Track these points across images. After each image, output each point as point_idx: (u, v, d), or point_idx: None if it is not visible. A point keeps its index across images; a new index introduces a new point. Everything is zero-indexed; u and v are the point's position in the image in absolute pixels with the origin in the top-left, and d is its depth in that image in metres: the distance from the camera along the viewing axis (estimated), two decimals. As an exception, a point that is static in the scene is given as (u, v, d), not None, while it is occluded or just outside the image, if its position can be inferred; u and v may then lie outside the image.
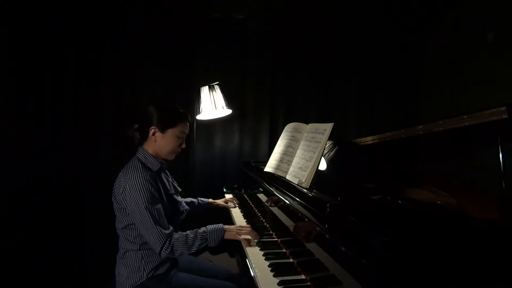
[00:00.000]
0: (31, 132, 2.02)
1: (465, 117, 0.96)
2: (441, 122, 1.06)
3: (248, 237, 1.27)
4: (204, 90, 2.26)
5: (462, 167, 1.24)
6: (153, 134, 1.28)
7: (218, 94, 2.26)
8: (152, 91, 2.40)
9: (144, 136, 1.31)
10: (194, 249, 1.20)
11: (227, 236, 1.27)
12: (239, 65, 2.65)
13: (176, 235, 1.19)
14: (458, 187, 1.19)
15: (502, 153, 0.89)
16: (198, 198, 1.79)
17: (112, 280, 1.30)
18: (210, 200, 1.85)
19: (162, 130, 1.28)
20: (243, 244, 1.24)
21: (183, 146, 1.37)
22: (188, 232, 1.23)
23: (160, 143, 1.30)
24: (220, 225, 1.29)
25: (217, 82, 2.28)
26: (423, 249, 0.65)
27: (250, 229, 1.29)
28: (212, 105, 2.23)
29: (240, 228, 1.30)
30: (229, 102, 2.32)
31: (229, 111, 2.34)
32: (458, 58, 2.54)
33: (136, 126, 1.34)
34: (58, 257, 2.05)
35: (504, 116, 0.84)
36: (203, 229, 1.25)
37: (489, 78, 2.20)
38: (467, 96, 2.37)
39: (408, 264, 0.61)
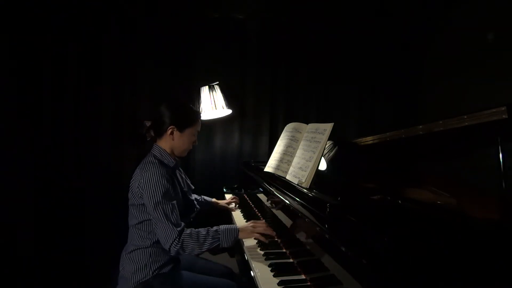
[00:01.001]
0: (31, 132, 2.02)
1: (465, 117, 0.96)
2: (441, 122, 1.06)
3: (264, 232, 1.22)
4: (204, 90, 2.26)
5: (462, 167, 1.24)
6: (171, 133, 1.31)
7: (218, 94, 2.26)
8: (152, 91, 2.40)
9: (160, 134, 1.33)
10: (205, 248, 1.17)
11: (242, 235, 1.23)
12: (239, 65, 2.65)
13: (187, 231, 1.18)
14: (458, 187, 1.19)
15: (502, 153, 0.89)
16: (202, 196, 1.79)
17: (112, 279, 1.30)
18: (214, 200, 1.85)
19: (181, 129, 1.32)
20: (261, 238, 1.21)
21: (196, 143, 1.41)
22: (200, 229, 1.20)
23: (177, 141, 1.33)
24: (234, 225, 1.26)
25: (217, 82, 2.28)
26: (423, 249, 0.65)
27: (265, 225, 1.26)
28: (212, 105, 2.23)
29: (255, 225, 1.25)
30: (229, 102, 2.31)
31: (229, 111, 2.34)
32: (458, 58, 2.54)
33: (149, 123, 1.36)
34: (58, 257, 2.06)
35: (504, 116, 0.84)
36: (215, 228, 1.22)
37: (489, 78, 2.20)
38: (467, 96, 2.36)
39: (408, 264, 0.61)
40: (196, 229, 1.19)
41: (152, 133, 1.36)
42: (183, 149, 1.37)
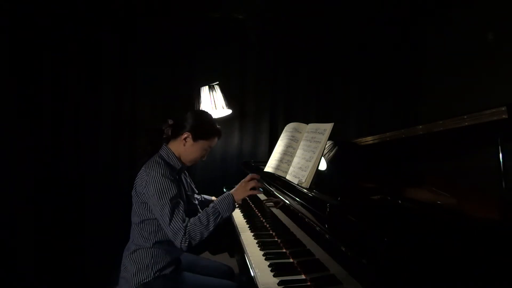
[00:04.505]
0: (31, 132, 2.02)
1: (465, 117, 0.96)
2: (441, 122, 1.05)
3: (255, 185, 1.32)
4: (204, 90, 2.27)
5: (462, 167, 1.24)
6: (185, 138, 1.33)
7: (218, 94, 2.26)
8: (152, 91, 2.40)
9: (175, 136, 1.35)
10: (211, 227, 1.19)
11: (237, 198, 1.28)
12: (239, 65, 2.65)
13: (190, 223, 1.18)
14: (458, 187, 1.19)
15: (502, 153, 0.89)
16: (202, 195, 1.80)
17: (112, 280, 1.30)
18: (213, 198, 1.85)
19: (195, 138, 1.33)
20: (254, 192, 1.30)
21: (204, 158, 1.42)
22: (199, 214, 1.22)
23: (188, 149, 1.34)
24: (226, 192, 1.30)
25: (217, 82, 2.28)
26: (423, 249, 0.65)
27: (252, 177, 1.33)
28: (212, 105, 2.23)
29: (246, 183, 1.32)
30: (229, 102, 2.31)
31: (229, 111, 2.34)
32: (458, 58, 2.54)
33: (171, 122, 1.38)
34: (58, 257, 2.05)
35: (504, 116, 0.84)
36: (211, 205, 1.25)
37: (489, 78, 2.20)
38: (467, 96, 2.36)
39: (408, 264, 0.61)
40: (195, 217, 1.20)
41: (169, 132, 1.37)
42: (190, 159, 1.37)
